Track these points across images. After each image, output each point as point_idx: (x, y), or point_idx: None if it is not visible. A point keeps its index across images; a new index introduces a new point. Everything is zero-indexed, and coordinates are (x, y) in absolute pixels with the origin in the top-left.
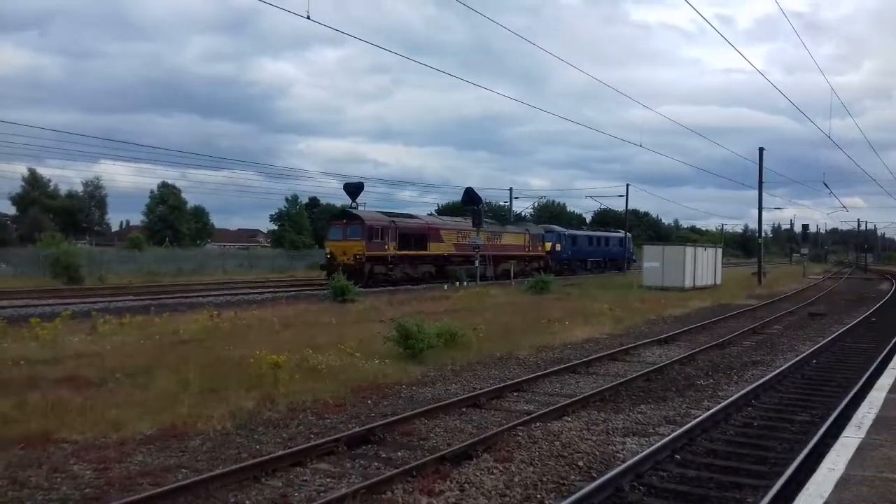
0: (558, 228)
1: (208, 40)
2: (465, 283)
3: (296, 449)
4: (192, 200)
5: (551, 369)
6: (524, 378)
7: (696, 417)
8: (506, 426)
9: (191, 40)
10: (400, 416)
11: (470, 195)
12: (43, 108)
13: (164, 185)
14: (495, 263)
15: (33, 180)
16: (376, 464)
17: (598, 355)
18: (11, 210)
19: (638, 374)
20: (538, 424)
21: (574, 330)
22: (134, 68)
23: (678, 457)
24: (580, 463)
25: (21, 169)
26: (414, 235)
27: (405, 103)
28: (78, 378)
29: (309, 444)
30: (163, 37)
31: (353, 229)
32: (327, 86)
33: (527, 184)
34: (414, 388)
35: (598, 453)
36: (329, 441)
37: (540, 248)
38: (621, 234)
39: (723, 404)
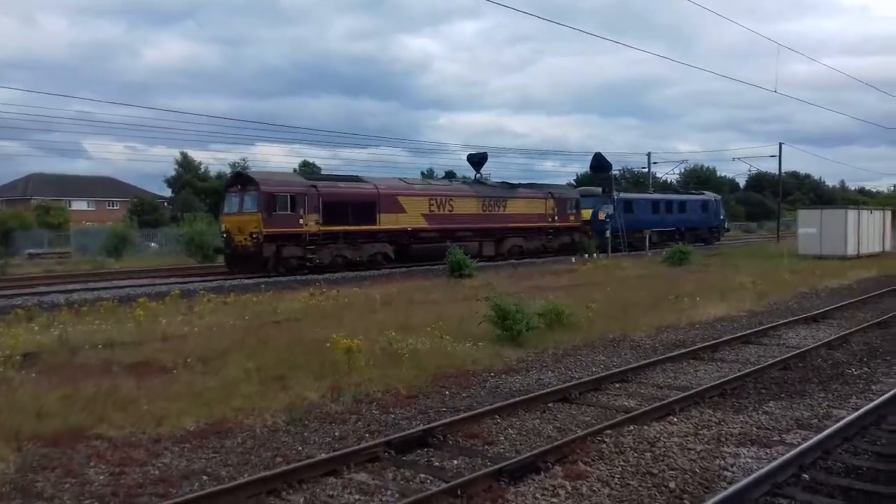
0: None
1: (351, 21)
2: (595, 255)
3: (335, 454)
4: None
5: (668, 355)
6: (632, 366)
7: (838, 420)
8: (590, 430)
9: (334, 22)
10: (470, 414)
11: (599, 161)
12: (204, 96)
13: (304, 164)
14: (497, 240)
15: (186, 163)
16: (422, 475)
17: (728, 337)
18: (168, 192)
19: (773, 360)
20: (631, 428)
21: (706, 307)
22: (284, 53)
23: (806, 477)
24: (671, 485)
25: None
26: (352, 205)
27: (547, 72)
28: (151, 363)
29: (350, 449)
30: (309, 20)
31: (250, 198)
32: (467, 59)
33: (674, 149)
34: (503, 376)
35: (698, 470)
36: (376, 445)
37: (572, 217)
38: (707, 196)
39: (876, 402)
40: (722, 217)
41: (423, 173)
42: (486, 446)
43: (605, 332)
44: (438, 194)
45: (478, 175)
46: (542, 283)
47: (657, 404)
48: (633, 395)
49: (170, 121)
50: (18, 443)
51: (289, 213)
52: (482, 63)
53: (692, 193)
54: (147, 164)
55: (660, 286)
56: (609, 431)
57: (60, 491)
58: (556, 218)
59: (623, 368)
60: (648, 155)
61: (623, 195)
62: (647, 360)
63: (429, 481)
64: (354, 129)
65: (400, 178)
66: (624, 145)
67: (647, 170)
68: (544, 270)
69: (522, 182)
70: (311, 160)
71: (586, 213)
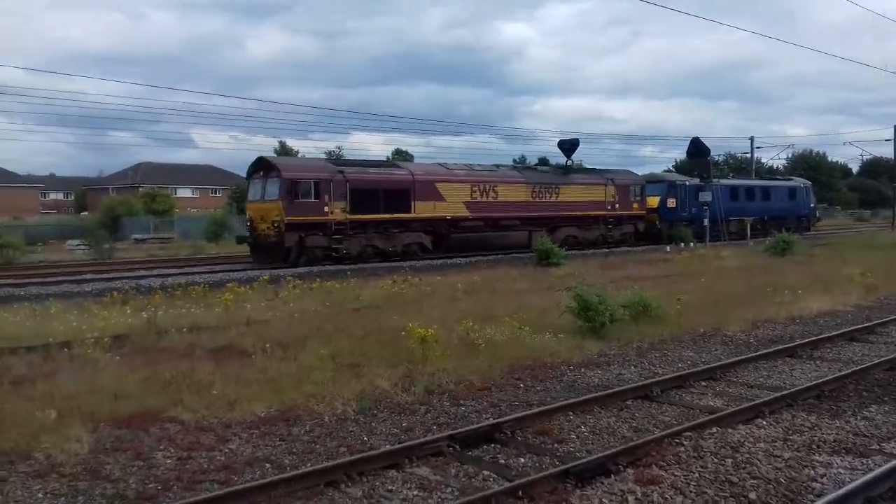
0: (673, 177)
1: (445, 10)
2: (692, 245)
3: (398, 447)
4: None
5: (762, 351)
6: (722, 363)
7: None
8: (668, 431)
9: (430, 11)
10: (542, 409)
11: (696, 146)
12: (302, 86)
13: (397, 152)
14: (549, 229)
15: (284, 152)
16: (486, 472)
17: (830, 334)
18: None
19: (879, 360)
20: (714, 430)
21: (808, 300)
22: (381, 43)
23: None
24: (752, 495)
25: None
26: (384, 192)
27: (644, 55)
28: (232, 347)
29: (413, 442)
30: (404, 10)
31: (272, 185)
32: (561, 44)
33: (782, 132)
34: (582, 369)
35: (783, 480)
36: (440, 439)
37: (637, 205)
38: (795, 182)
39: None
40: (812, 205)
41: (515, 161)
42: (556, 444)
43: (696, 325)
44: (482, 181)
45: (568, 162)
46: (632, 273)
47: (745, 405)
48: (719, 395)
49: (270, 111)
50: (94, 424)
51: (313, 200)
52: (577, 47)
53: (778, 179)
54: (249, 152)
55: (759, 277)
56: (689, 433)
57: (127, 474)
58: (618, 206)
59: (711, 365)
60: (751, 139)
61: (692, 182)
62: (739, 357)
63: (491, 479)
64: (448, 117)
65: (440, 164)
66: (727, 129)
67: (749, 155)
68: (637, 260)
69: (611, 167)
70: (404, 148)
71: (653, 201)
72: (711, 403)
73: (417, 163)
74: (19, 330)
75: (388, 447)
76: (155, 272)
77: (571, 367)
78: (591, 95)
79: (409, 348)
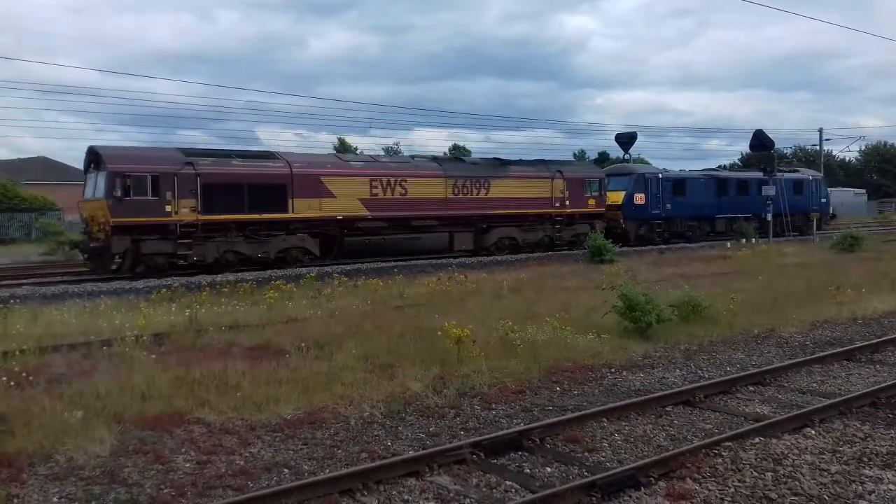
0: (641, 168)
1: (506, 3)
2: (754, 240)
3: (419, 454)
4: None
5: (818, 354)
6: (774, 366)
7: None
8: (706, 440)
9: (490, 5)
10: (575, 415)
11: (759, 138)
12: (364, 83)
13: (454, 147)
14: (478, 231)
15: (343, 149)
16: (508, 483)
17: (894, 336)
18: None
19: None
20: (756, 440)
21: (872, 300)
22: (441, 38)
23: None
24: None
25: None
26: (252, 187)
27: (711, 46)
28: (269, 346)
29: (435, 449)
30: (465, 4)
31: (101, 179)
32: (625, 35)
33: (855, 124)
34: (623, 372)
35: (826, 497)
36: (462, 446)
37: (594, 202)
38: (802, 175)
39: None
40: (824, 200)
41: (574, 154)
42: (586, 453)
43: (750, 326)
44: (385, 174)
45: (626, 156)
46: (687, 271)
47: (793, 413)
48: (767, 401)
49: (333, 108)
50: (120, 424)
51: (150, 198)
52: (641, 39)
53: (781, 171)
54: (313, 150)
55: (821, 275)
56: (729, 443)
57: (144, 478)
58: (568, 202)
59: (762, 369)
60: (820, 131)
61: (666, 175)
62: (793, 360)
63: (513, 490)
64: (509, 111)
65: (336, 155)
66: (798, 121)
67: (818, 147)
68: (693, 257)
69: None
70: (464, 144)
71: (616, 196)
72: (757, 410)
73: (302, 153)
74: (67, 327)
75: (409, 454)
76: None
77: (613, 370)
78: (654, 88)
79: (444, 348)
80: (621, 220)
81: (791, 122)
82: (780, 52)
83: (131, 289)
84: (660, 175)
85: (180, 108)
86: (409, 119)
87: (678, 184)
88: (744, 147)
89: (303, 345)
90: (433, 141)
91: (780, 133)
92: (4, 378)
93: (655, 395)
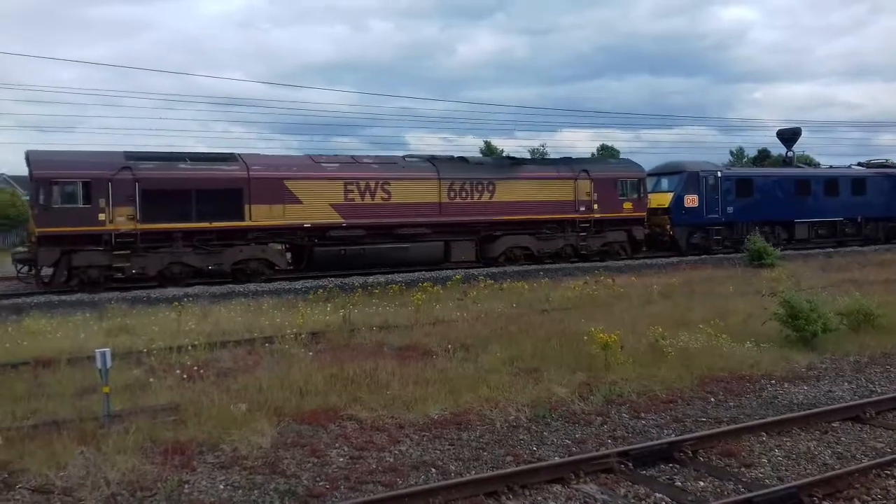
0: (697, 165)
1: None
2: None
3: (564, 461)
4: (645, 161)
5: None
6: None
7: None
8: (878, 460)
9: (640, 0)
10: (731, 428)
11: None
12: (510, 85)
13: (602, 148)
14: (482, 239)
15: (489, 151)
16: (658, 495)
17: None
18: None
19: None
20: None
21: None
22: (588, 37)
23: None
24: None
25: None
26: (200, 193)
27: (885, 34)
28: (417, 346)
29: (581, 457)
30: (615, 2)
31: (33, 186)
32: (788, 25)
33: None
34: (785, 384)
35: None
36: (609, 455)
37: (632, 206)
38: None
39: None
40: None
41: (731, 153)
42: (743, 468)
43: None
44: (364, 177)
45: (789, 153)
46: (859, 277)
47: None
48: None
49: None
50: (280, 418)
51: (81, 205)
52: (805, 28)
53: (873, 167)
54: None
55: None
56: None
57: (302, 470)
58: (597, 206)
59: None
60: None
61: (731, 171)
62: None
63: (663, 503)
64: (659, 109)
65: (310, 156)
66: None
67: None
68: (865, 262)
69: (840, 157)
70: (612, 143)
71: (662, 199)
72: None
73: (264, 154)
74: (233, 325)
75: (555, 460)
76: (357, 271)
77: (773, 381)
78: (820, 80)
79: (590, 354)
80: (668, 227)
81: None
82: None
83: (290, 289)
84: (719, 173)
85: (335, 116)
86: (555, 120)
87: (743, 183)
88: None
89: (449, 346)
90: (580, 142)
91: None
92: (178, 371)
93: (821, 409)
